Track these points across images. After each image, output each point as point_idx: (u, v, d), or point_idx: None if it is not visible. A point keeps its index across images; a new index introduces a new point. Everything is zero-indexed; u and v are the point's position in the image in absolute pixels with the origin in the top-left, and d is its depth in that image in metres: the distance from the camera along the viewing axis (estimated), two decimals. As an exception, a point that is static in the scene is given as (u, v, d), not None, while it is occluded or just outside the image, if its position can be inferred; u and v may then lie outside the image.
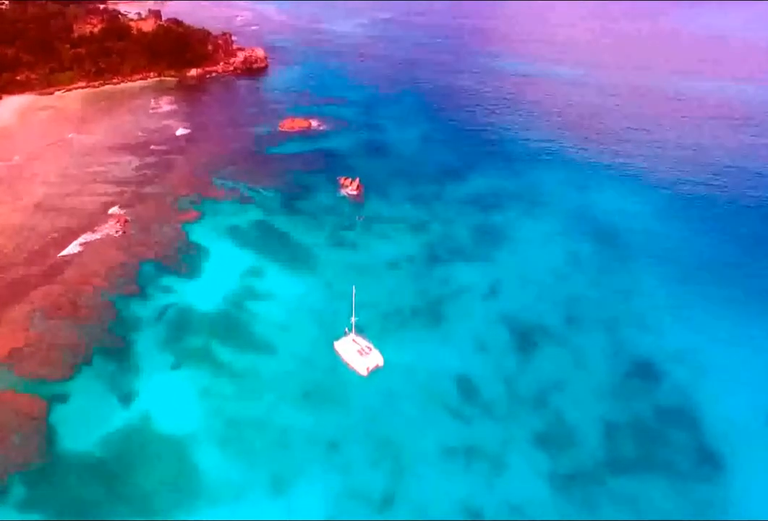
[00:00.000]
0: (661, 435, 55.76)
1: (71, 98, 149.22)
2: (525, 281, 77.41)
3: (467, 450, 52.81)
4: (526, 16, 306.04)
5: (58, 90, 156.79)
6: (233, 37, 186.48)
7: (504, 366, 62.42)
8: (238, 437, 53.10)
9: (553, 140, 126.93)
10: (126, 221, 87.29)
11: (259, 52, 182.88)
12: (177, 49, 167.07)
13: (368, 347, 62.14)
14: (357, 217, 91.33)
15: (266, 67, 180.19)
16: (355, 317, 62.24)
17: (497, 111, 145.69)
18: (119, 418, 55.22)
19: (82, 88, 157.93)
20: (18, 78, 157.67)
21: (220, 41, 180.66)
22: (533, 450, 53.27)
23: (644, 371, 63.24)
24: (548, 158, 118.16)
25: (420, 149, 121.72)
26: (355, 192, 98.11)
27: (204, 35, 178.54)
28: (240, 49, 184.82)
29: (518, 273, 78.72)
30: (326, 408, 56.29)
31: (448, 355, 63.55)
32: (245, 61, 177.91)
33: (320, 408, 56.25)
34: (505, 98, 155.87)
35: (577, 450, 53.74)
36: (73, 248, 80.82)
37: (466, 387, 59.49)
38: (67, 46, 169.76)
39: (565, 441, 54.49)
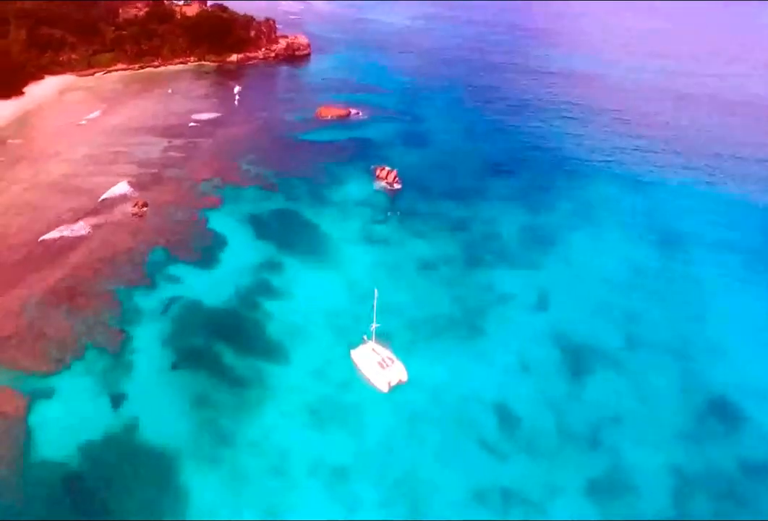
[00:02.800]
0: (742, 491, 45.16)
1: (109, 79, 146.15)
2: (578, 293, 67.18)
3: (502, 495, 43.49)
4: (576, 15, 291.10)
5: (98, 71, 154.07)
6: (277, 25, 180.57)
7: (551, 393, 52.63)
8: (231, 458, 45.21)
9: (610, 141, 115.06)
10: (144, 204, 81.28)
11: (302, 40, 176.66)
12: (218, 34, 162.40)
13: (390, 359, 53.51)
14: (392, 211, 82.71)
15: (308, 55, 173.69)
16: (376, 323, 53.71)
17: (547, 108, 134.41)
18: (103, 424, 48.22)
19: (122, 70, 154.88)
20: (61, 59, 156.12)
21: (263, 27, 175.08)
22: (582, 500, 43.60)
23: (721, 409, 52.56)
24: (605, 159, 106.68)
25: (462, 143, 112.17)
26: (391, 185, 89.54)
27: (247, 21, 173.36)
28: (283, 36, 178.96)
29: (570, 283, 68.54)
30: (336, 430, 47.84)
31: (484, 375, 54.20)
32: (287, 48, 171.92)
33: (329, 430, 47.85)
34: (555, 96, 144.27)
35: (637, 504, 43.82)
36: (82, 230, 75.14)
37: (504, 416, 50.03)
38: (111, 28, 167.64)
39: (622, 491, 44.72)
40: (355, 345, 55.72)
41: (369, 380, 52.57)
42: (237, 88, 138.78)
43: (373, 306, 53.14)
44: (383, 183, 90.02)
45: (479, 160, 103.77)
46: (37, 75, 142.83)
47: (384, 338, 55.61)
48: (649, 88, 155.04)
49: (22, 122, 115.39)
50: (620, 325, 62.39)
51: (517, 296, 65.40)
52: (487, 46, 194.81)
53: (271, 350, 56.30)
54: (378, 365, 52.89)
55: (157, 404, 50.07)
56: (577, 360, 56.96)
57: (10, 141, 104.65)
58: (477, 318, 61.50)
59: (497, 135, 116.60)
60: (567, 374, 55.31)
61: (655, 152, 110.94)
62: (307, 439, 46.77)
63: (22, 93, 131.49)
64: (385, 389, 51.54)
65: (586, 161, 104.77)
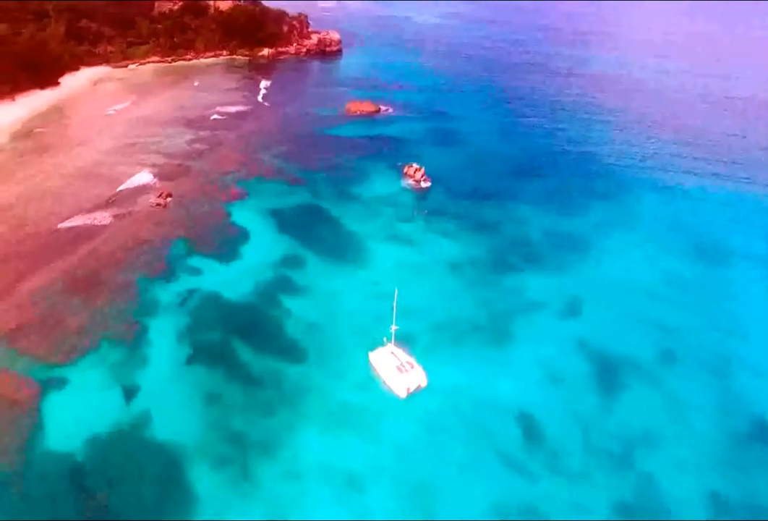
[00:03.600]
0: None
1: (142, 71, 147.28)
2: (610, 301, 63.73)
3: (522, 512, 40.67)
4: (603, 16, 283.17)
5: (132, 63, 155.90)
6: (310, 20, 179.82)
7: (579, 407, 49.50)
8: (240, 459, 43.43)
9: (644, 146, 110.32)
10: (168, 194, 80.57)
11: (334, 36, 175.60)
12: (250, 29, 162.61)
13: (409, 364, 51.12)
14: (418, 210, 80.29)
15: (339, 51, 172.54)
16: (396, 325, 51.37)
17: (578, 111, 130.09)
18: (113, 417, 46.99)
19: (155, 62, 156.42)
20: (97, 51, 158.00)
21: (295, 23, 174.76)
22: (610, 524, 40.45)
23: (764, 433, 48.60)
24: (638, 164, 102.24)
25: (491, 142, 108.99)
26: (419, 183, 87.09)
27: (279, 16, 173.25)
28: (315, 32, 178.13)
29: (601, 291, 65.09)
30: (351, 435, 45.64)
31: (509, 384, 51.34)
32: (319, 43, 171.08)
33: (343, 435, 45.68)
34: (586, 99, 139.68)
35: (669, 531, 40.49)
36: (104, 219, 74.71)
37: (529, 428, 47.15)
38: (147, 21, 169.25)
39: (655, 516, 41.28)
40: (373, 347, 53.54)
41: (387, 384, 50.32)
42: (266, 82, 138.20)
43: (393, 307, 50.86)
44: (411, 181, 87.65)
45: (508, 160, 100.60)
46: (72, 66, 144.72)
47: (404, 341, 53.32)
48: (685, 92, 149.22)
49: (54, 112, 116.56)
50: (655, 337, 58.76)
51: (545, 302, 62.29)
52: (518, 46, 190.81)
53: (287, 349, 54.44)
54: (396, 370, 50.58)
55: (169, 399, 48.65)
56: (608, 373, 53.67)
57: (39, 130, 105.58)
58: (503, 323, 58.63)
59: (527, 136, 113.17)
60: (597, 387, 52.08)
61: (693, 159, 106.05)
62: (320, 444, 44.66)
63: (57, 83, 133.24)
64: (403, 394, 49.21)
65: (619, 165, 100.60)
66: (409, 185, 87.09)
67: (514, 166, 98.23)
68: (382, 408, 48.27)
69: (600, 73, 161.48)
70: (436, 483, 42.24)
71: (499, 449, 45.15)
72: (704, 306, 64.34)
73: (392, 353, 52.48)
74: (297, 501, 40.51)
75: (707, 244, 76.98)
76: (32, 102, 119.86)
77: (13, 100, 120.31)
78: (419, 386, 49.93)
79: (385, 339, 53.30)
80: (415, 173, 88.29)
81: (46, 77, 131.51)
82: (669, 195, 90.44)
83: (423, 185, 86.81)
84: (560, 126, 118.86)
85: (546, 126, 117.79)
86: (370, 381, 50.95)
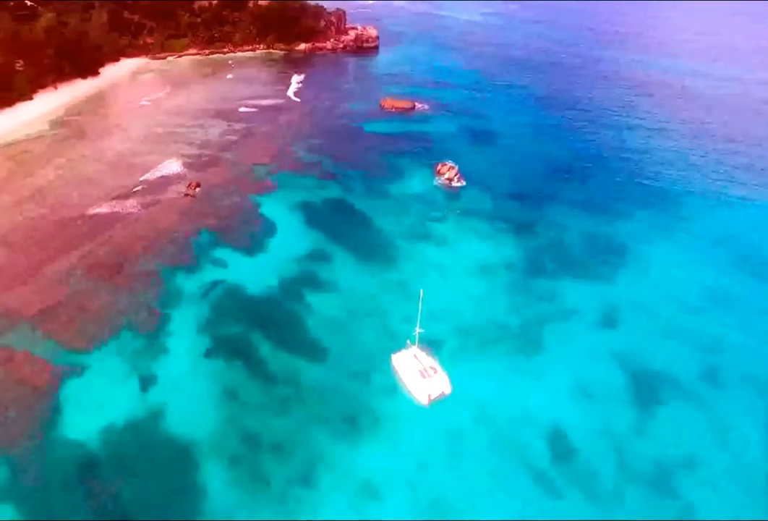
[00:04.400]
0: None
1: (180, 63, 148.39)
2: (651, 312, 60.05)
3: (549, 535, 38.03)
4: (652, 16, 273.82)
5: (171, 55, 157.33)
6: (348, 16, 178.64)
7: (613, 424, 46.36)
8: (253, 459, 41.87)
9: (691, 154, 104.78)
10: (197, 184, 79.99)
11: (372, 32, 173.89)
12: (288, 23, 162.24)
13: (433, 369, 48.75)
14: (450, 209, 77.78)
15: (377, 47, 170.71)
16: (420, 328, 49.10)
17: (622, 115, 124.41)
18: (129, 407, 46.17)
19: (193, 55, 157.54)
20: (138, 42, 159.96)
21: (333, 18, 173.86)
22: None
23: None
24: (684, 172, 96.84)
25: (528, 144, 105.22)
26: (452, 181, 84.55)
27: (317, 11, 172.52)
28: (353, 27, 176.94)
29: (642, 302, 61.42)
30: (368, 441, 43.57)
31: (538, 395, 48.50)
32: (356, 39, 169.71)
33: (360, 440, 43.65)
34: (630, 103, 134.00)
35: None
36: (133, 206, 74.50)
37: (558, 444, 44.28)
38: (187, 14, 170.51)
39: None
40: (397, 349, 51.39)
41: (408, 389, 48.09)
42: (301, 77, 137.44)
43: (418, 308, 48.65)
44: (444, 179, 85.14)
45: (546, 162, 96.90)
46: (113, 57, 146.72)
47: (429, 344, 51.00)
48: (736, 99, 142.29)
49: (92, 101, 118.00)
50: (698, 353, 54.97)
51: (581, 311, 59.08)
52: (561, 47, 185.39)
53: (308, 347, 52.73)
54: (419, 375, 48.28)
55: (186, 392, 47.52)
56: (646, 389, 50.27)
57: (77, 118, 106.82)
58: (535, 331, 55.72)
59: (566, 139, 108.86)
60: (634, 403, 48.77)
61: (742, 168, 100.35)
62: (335, 448, 42.74)
63: (98, 73, 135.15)
64: (424, 401, 46.90)
65: (664, 173, 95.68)
66: (441, 183, 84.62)
67: (551, 168, 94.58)
68: (403, 415, 46.07)
69: (647, 77, 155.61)
70: (456, 497, 39.88)
71: (525, 465, 42.46)
72: (751, 323, 60.04)
73: (415, 356, 50.24)
74: (307, 508, 38.69)
75: (755, 257, 72.26)
76: (73, 91, 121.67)
77: (56, 88, 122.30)
78: (442, 393, 47.57)
79: (408, 342, 51.11)
80: (448, 171, 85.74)
81: (88, 67, 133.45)
82: (715, 205, 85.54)
83: (456, 183, 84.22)
84: (602, 130, 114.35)
85: (587, 129, 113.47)
86: (391, 385, 48.83)
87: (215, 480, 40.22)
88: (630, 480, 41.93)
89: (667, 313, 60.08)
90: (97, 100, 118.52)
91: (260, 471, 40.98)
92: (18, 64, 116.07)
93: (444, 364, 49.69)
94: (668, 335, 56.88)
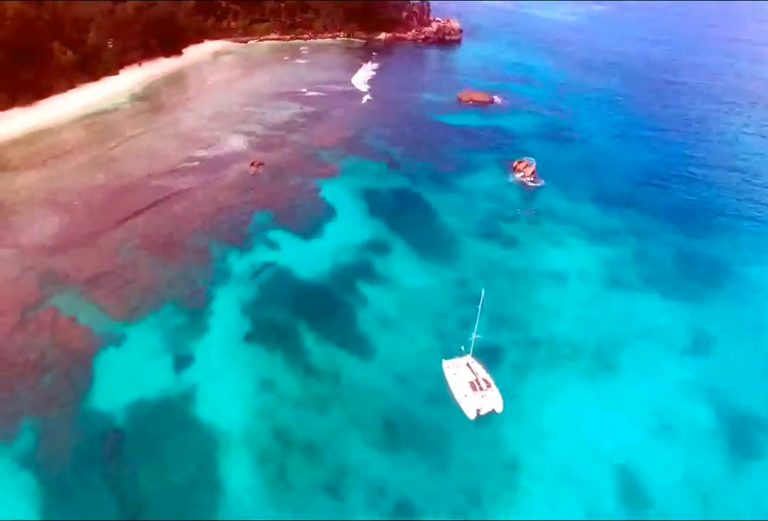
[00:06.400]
0: None
1: (260, 47, 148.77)
2: (748, 343, 51.67)
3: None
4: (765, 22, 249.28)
5: (253, 39, 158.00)
6: (431, 8, 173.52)
7: (697, 469, 39.29)
8: (282, 458, 38.15)
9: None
10: (260, 163, 77.91)
11: (455, 25, 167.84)
12: (370, 12, 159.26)
13: (485, 382, 43.35)
14: (524, 209, 71.47)
15: (459, 40, 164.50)
16: (477, 334, 43.77)
17: (727, 123, 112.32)
18: (161, 385, 43.93)
19: (274, 39, 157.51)
20: (222, 25, 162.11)
21: (416, 9, 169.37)
22: None
23: None
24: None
25: (615, 147, 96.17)
26: (528, 180, 78.08)
27: (401, 1, 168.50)
28: (435, 20, 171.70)
29: (741, 330, 53.04)
30: (406, 454, 38.86)
31: (608, 426, 42.02)
32: (438, 31, 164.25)
33: (398, 451, 39.00)
34: (741, 113, 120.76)
35: None
36: (195, 181, 73.24)
37: (629, 486, 37.83)
38: (271, 0, 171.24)
39: None
40: (449, 355, 46.29)
41: (456, 400, 42.93)
42: (379, 65, 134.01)
43: (477, 312, 43.39)
44: (519, 177, 78.74)
45: (634, 167, 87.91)
46: (197, 38, 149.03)
47: (485, 354, 45.57)
48: None
49: (172, 78, 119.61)
50: (805, 397, 46.46)
51: (666, 333, 51.59)
52: (654, 54, 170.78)
53: (355, 342, 48.60)
54: (469, 386, 43.03)
55: (221, 377, 44.69)
56: (740, 432, 42.65)
57: (155, 93, 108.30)
58: (611, 351, 48.92)
59: (659, 144, 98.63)
60: (723, 448, 41.37)
61: None
62: (370, 457, 38.31)
63: (181, 53, 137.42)
64: (472, 415, 41.69)
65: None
66: (517, 181, 78.25)
67: (640, 174, 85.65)
68: (448, 429, 41.02)
69: (751, 84, 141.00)
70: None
71: (587, 504, 36.34)
72: None
73: (468, 365, 45.07)
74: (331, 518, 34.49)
75: None
76: (156, 68, 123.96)
77: (140, 65, 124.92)
78: (493, 410, 42.26)
79: (462, 348, 45.89)
80: (524, 168, 79.24)
81: (172, 47, 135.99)
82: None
83: (533, 183, 77.60)
84: (698, 139, 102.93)
85: (681, 138, 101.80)
86: (439, 394, 43.79)
87: (238, 476, 36.90)
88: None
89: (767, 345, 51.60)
90: (177, 78, 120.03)
91: (286, 473, 37.23)
92: (109, 42, 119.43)
93: (499, 378, 44.17)
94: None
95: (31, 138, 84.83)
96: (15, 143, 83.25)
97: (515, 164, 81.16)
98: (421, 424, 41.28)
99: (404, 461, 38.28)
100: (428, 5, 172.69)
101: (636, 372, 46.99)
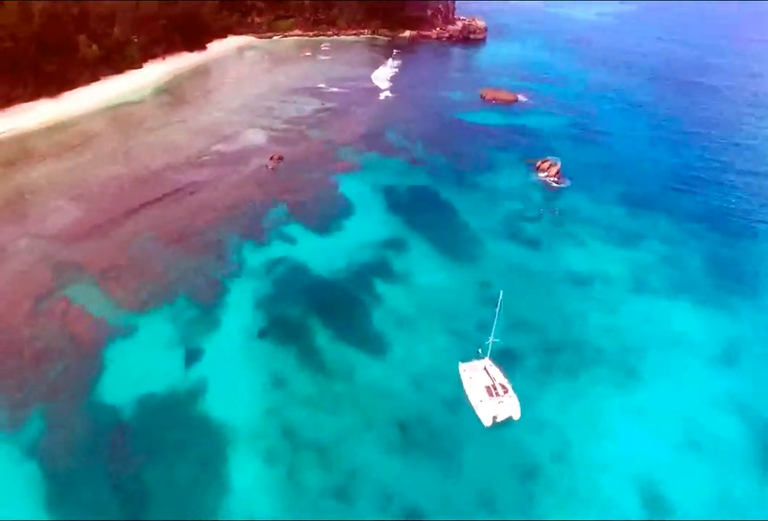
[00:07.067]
0: None
1: (283, 43, 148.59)
2: (784, 356, 49.05)
3: None
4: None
5: (276, 35, 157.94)
6: (455, 6, 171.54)
7: (728, 489, 37.00)
8: (290, 459, 36.88)
9: None
10: (279, 158, 77.10)
11: (480, 23, 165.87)
12: (394, 10, 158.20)
13: (503, 387, 41.61)
14: (548, 209, 69.37)
15: (483, 39, 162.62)
16: (494, 338, 42.04)
17: (754, 121, 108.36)
18: (170, 379, 43.01)
19: (297, 36, 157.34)
20: (246, 21, 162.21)
21: (441, 7, 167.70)
22: None
23: None
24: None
25: (641, 146, 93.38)
26: (553, 180, 75.94)
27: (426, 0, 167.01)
28: (460, 18, 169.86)
29: (774, 341, 50.47)
30: (419, 459, 37.32)
31: (631, 439, 39.94)
32: (463, 29, 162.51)
33: (411, 456, 37.46)
34: (766, 108, 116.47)
35: None
36: (213, 174, 72.69)
37: (655, 505, 35.68)
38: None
39: None
40: (467, 358, 44.61)
41: (471, 404, 41.25)
42: (402, 62, 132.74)
43: (495, 315, 41.68)
44: (543, 177, 76.63)
45: (659, 170, 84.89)
46: (221, 34, 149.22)
47: (503, 358, 43.79)
48: None
49: (195, 72, 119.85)
50: None
51: (695, 342, 49.24)
52: (682, 54, 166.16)
53: (370, 341, 47.21)
54: (485, 391, 41.32)
55: (231, 373, 43.61)
56: (773, 451, 40.27)
57: (177, 87, 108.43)
58: (636, 359, 46.75)
59: (683, 148, 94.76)
60: (755, 465, 39.00)
61: None
62: (383, 461, 36.85)
63: (205, 48, 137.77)
64: (487, 422, 39.97)
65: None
66: (540, 181, 76.16)
67: (666, 177, 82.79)
68: (462, 434, 39.34)
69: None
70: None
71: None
72: None
73: (486, 369, 43.34)
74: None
75: None
76: (179, 62, 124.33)
77: (164, 59, 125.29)
78: (510, 417, 40.43)
79: (479, 351, 44.19)
80: (549, 168, 77.10)
81: (196, 41, 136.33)
82: None
83: (557, 183, 75.43)
84: (727, 143, 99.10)
85: (709, 142, 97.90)
86: (454, 397, 42.18)
87: (244, 476, 35.73)
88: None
89: (805, 359, 48.83)
90: (200, 72, 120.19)
91: (295, 474, 35.94)
92: (134, 37, 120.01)
93: (516, 383, 42.35)
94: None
95: (54, 129, 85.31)
96: (39, 133, 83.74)
97: (539, 163, 79.08)
98: (434, 429, 39.70)
99: (416, 466, 36.76)
100: (453, 4, 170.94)
101: (662, 382, 44.78)
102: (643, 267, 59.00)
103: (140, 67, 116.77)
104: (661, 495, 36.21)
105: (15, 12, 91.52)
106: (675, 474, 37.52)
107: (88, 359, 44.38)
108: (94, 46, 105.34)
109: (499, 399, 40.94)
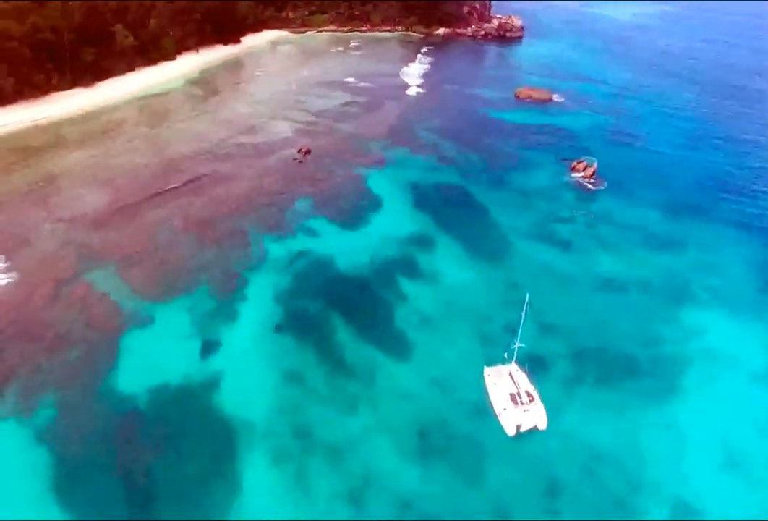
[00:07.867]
0: None
1: (317, 38, 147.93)
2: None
3: None
4: None
5: (310, 30, 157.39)
6: (492, 4, 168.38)
7: (773, 514, 34.21)
8: (302, 460, 35.40)
9: None
10: (307, 151, 76.09)
11: (516, 22, 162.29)
12: (429, 6, 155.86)
13: (528, 395, 39.37)
14: (582, 211, 66.63)
15: (520, 37, 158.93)
16: (520, 342, 39.84)
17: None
18: (185, 370, 42.13)
19: (331, 31, 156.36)
20: (281, 15, 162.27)
21: (477, 5, 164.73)
22: None
23: None
24: None
25: (680, 150, 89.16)
26: (588, 181, 73.06)
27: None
28: (496, 16, 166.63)
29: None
30: (438, 467, 35.42)
31: (668, 456, 37.33)
32: (499, 28, 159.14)
33: (429, 464, 35.61)
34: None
35: None
36: (240, 165, 72.08)
37: (692, 527, 33.18)
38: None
39: None
40: (491, 362, 42.53)
41: (495, 412, 39.16)
42: (436, 59, 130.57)
43: (521, 318, 39.55)
44: (579, 178, 73.78)
45: (699, 175, 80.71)
46: (255, 27, 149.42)
47: (530, 363, 41.53)
48: None
49: (227, 65, 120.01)
50: None
51: (738, 354, 46.14)
52: (725, 57, 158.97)
53: (391, 341, 45.52)
54: (510, 399, 39.12)
55: (247, 367, 42.51)
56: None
57: (209, 79, 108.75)
58: (673, 370, 43.98)
59: (725, 154, 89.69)
60: (802, 492, 36.03)
61: None
62: (398, 468, 35.06)
63: (239, 41, 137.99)
64: (511, 432, 37.80)
65: None
66: (575, 182, 73.34)
67: (707, 183, 78.78)
68: (484, 443, 37.26)
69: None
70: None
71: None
72: None
73: (511, 375, 41.17)
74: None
75: None
76: (212, 55, 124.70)
77: (197, 51, 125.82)
78: (536, 427, 38.20)
79: (505, 355, 42.01)
80: (584, 169, 74.20)
81: (230, 34, 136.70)
82: None
83: (593, 184, 72.51)
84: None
85: (753, 148, 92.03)
86: (477, 403, 40.19)
87: (254, 475, 34.41)
88: None
89: None
90: (232, 65, 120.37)
91: (306, 476, 34.46)
92: (170, 31, 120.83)
93: (543, 391, 40.08)
94: None
95: (86, 117, 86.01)
96: (72, 121, 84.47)
97: (574, 163, 76.21)
98: (454, 436, 37.79)
99: (433, 475, 34.90)
100: (489, 2, 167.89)
101: (701, 396, 42.04)
102: (681, 275, 55.89)
103: (174, 58, 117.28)
104: (697, 516, 33.63)
105: (57, 9, 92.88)
106: (713, 496, 34.82)
107: (105, 346, 43.78)
108: (131, 37, 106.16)
109: (524, 407, 38.75)
